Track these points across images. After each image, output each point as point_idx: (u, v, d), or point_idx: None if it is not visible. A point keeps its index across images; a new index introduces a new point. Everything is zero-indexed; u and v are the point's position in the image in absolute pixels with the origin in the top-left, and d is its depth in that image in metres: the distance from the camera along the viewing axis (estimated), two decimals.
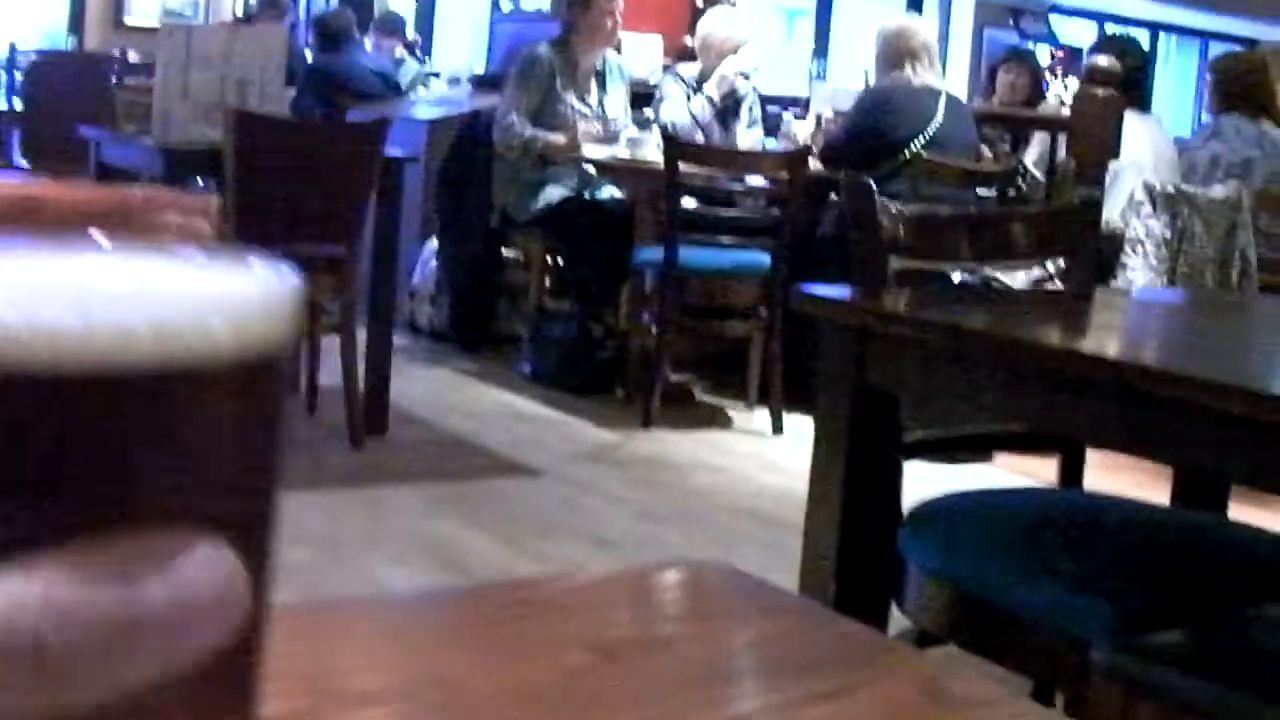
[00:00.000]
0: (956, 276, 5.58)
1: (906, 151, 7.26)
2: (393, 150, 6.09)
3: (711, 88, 8.26)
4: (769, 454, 6.53)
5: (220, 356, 0.49)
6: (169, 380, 0.48)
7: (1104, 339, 3.02)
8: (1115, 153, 7.23)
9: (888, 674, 1.06)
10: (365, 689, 0.98)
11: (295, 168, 5.62)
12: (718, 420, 7.16)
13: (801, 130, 8.56)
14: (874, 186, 2.97)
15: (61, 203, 0.56)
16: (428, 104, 9.36)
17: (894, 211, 2.98)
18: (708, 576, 1.27)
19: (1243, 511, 3.31)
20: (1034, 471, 5.51)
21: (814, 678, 1.04)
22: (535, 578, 1.20)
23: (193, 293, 0.49)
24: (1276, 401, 2.14)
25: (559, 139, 7.71)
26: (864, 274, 2.93)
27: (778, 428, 6.84)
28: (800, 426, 6.36)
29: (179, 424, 0.49)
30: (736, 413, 7.24)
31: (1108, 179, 7.16)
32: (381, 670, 1.03)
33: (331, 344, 6.02)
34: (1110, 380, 2.36)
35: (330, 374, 6.16)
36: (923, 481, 3.10)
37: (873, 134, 7.34)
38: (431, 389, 7.24)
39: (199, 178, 6.00)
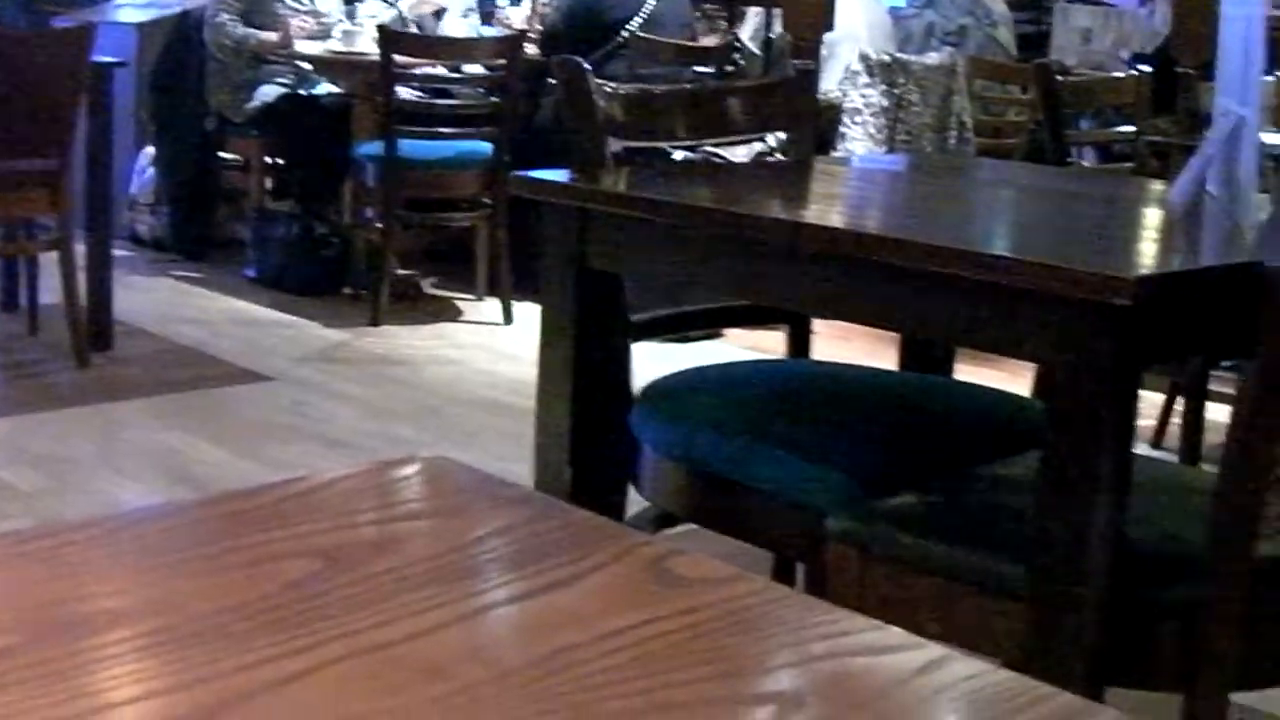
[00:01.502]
0: (680, 155, 5.58)
1: (624, 32, 7.26)
2: (101, 56, 5.91)
3: None
4: (501, 344, 6.51)
5: None
6: None
7: (818, 207, 3.03)
8: (829, 25, 7.29)
9: (615, 560, 1.05)
10: (83, 618, 0.95)
11: None
12: (447, 313, 7.12)
13: (516, 16, 8.50)
14: (588, 67, 2.95)
15: None
16: (136, 7, 9.09)
17: (609, 91, 2.96)
18: (432, 472, 1.25)
19: (967, 373, 3.36)
20: (764, 345, 5.56)
21: (542, 569, 1.03)
22: (254, 488, 1.17)
23: None
24: (991, 260, 2.15)
25: (271, 36, 7.57)
26: (582, 155, 2.92)
27: (508, 317, 6.82)
28: (531, 315, 6.30)
29: None
30: (466, 304, 7.21)
31: (824, 51, 7.22)
32: (100, 597, 0.99)
33: (49, 261, 5.85)
34: (825, 249, 2.37)
35: (50, 292, 6.00)
36: (655, 362, 3.10)
37: (588, 16, 7.33)
38: (156, 300, 7.09)
39: None
